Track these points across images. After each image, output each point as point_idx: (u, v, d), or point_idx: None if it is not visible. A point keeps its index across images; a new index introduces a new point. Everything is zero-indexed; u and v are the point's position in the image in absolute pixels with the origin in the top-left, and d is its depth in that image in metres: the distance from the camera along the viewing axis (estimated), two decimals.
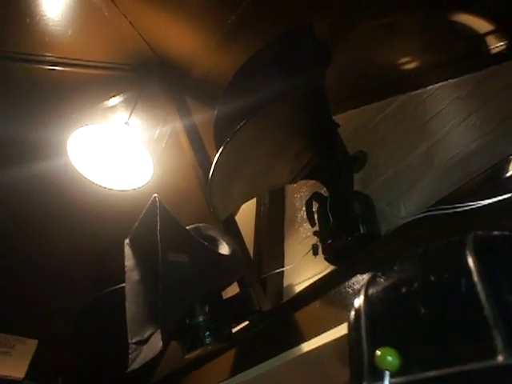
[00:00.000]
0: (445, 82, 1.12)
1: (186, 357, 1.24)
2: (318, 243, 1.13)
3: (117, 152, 1.42)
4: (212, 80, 1.69)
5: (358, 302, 0.48)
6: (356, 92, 1.39)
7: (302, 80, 1.06)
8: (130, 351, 1.24)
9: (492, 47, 0.98)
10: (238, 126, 1.06)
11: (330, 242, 1.05)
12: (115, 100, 1.77)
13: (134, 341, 1.26)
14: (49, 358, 2.03)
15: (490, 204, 0.78)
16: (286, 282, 1.45)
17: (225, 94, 1.29)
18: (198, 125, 1.70)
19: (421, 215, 0.92)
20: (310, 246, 1.42)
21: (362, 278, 1.04)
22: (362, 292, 0.48)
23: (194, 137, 1.64)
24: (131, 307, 1.31)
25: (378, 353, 0.39)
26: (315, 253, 1.14)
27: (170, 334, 1.11)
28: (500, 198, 0.76)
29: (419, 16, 0.99)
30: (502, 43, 0.95)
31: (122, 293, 1.47)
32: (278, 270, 1.42)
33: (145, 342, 1.26)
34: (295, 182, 1.26)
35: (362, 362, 0.42)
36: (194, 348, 1.19)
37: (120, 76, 1.70)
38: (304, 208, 1.60)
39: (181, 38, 1.57)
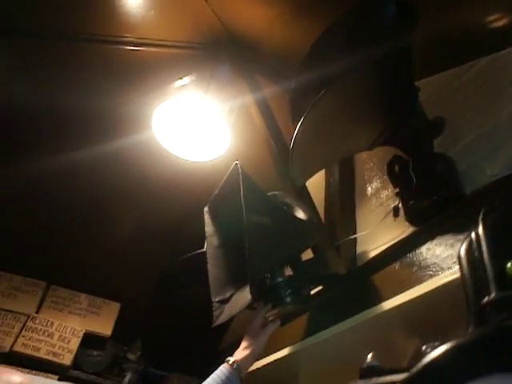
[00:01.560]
0: None
1: (267, 315, 1.32)
2: (400, 205, 1.14)
3: (196, 124, 1.51)
4: (282, 55, 1.73)
5: (477, 229, 0.51)
6: (434, 58, 1.36)
7: (386, 45, 1.07)
8: (213, 309, 1.33)
9: None
10: (320, 94, 1.10)
11: (412, 202, 1.07)
12: (189, 79, 1.86)
13: (216, 299, 1.35)
14: (130, 321, 2.23)
15: None
16: (359, 249, 1.48)
17: (302, 65, 1.32)
18: (268, 99, 1.76)
19: (509, 173, 0.92)
20: (383, 214, 1.44)
21: (444, 240, 1.05)
22: (480, 221, 0.51)
23: (264, 110, 1.70)
24: (213, 270, 1.40)
25: (509, 264, 0.42)
26: (396, 214, 1.15)
27: (258, 289, 1.18)
28: None
29: None
30: None
31: (199, 259, 1.56)
32: (352, 237, 1.45)
33: (226, 301, 1.35)
34: (372, 149, 1.28)
35: (487, 279, 0.46)
36: (276, 306, 1.26)
37: (193, 55, 1.79)
38: (373, 182, 1.61)
39: (253, 13, 1.61)
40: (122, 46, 1.63)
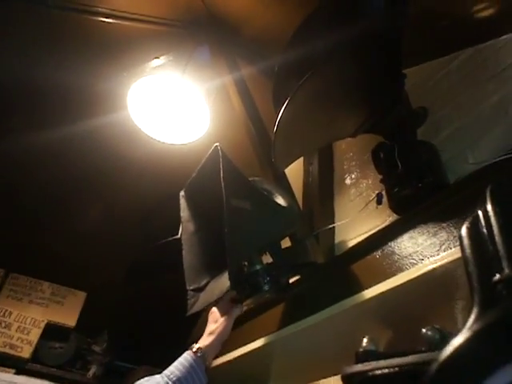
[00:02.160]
0: None
1: (243, 303, 1.28)
2: (383, 192, 1.13)
3: (173, 105, 1.44)
4: (264, 38, 1.68)
5: (484, 206, 0.49)
6: (418, 48, 1.35)
7: (374, 29, 1.05)
8: (188, 297, 1.28)
9: None
10: (305, 78, 1.06)
11: (396, 190, 1.05)
12: (166, 58, 1.78)
13: (191, 287, 1.29)
14: (96, 311, 2.13)
15: None
16: (337, 239, 1.46)
17: (286, 48, 1.28)
18: (248, 82, 1.71)
19: (493, 161, 0.92)
20: (363, 204, 1.43)
21: (427, 228, 1.04)
22: (488, 197, 0.48)
23: (244, 94, 1.65)
24: (188, 256, 1.35)
25: None
26: (379, 202, 1.14)
27: (236, 275, 1.13)
28: None
29: None
30: None
31: (172, 246, 1.50)
32: (331, 226, 1.43)
33: (201, 289, 1.29)
34: (356, 135, 1.26)
35: (498, 256, 0.43)
36: (253, 294, 1.22)
37: (172, 33, 1.71)
38: (352, 171, 1.60)
39: None
40: (95, 17, 1.53)
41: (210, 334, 1.18)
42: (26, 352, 2.07)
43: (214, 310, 1.24)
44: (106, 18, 1.57)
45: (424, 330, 0.59)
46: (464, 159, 1.09)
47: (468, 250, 0.52)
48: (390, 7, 1.01)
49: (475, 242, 0.52)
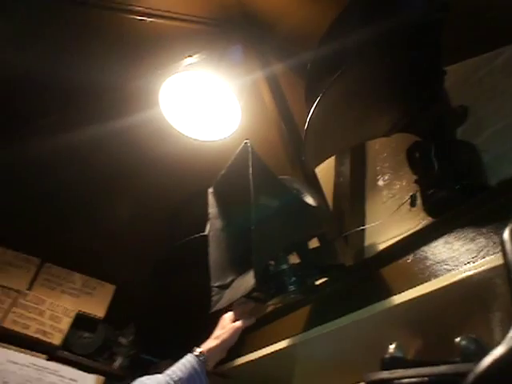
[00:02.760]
0: None
1: (269, 303, 1.26)
2: (417, 193, 1.08)
3: (205, 102, 1.44)
4: (298, 36, 1.65)
5: None
6: (458, 44, 1.29)
7: (413, 21, 1.00)
8: (212, 293, 1.27)
9: None
10: (337, 73, 1.03)
11: (432, 191, 1.00)
12: (199, 57, 1.78)
13: (216, 284, 1.29)
14: (124, 304, 2.17)
15: None
16: (367, 241, 1.41)
17: (320, 44, 1.25)
18: (280, 81, 1.69)
19: None
20: (395, 206, 1.37)
21: (463, 233, 0.99)
22: None
23: (276, 92, 1.64)
24: (214, 253, 1.34)
25: None
26: (413, 204, 1.09)
27: (262, 274, 1.12)
28: None
29: None
30: None
31: (199, 243, 1.50)
32: (362, 228, 1.38)
33: (226, 286, 1.29)
34: (390, 135, 1.21)
35: None
36: (278, 294, 1.20)
37: (205, 31, 1.71)
38: (385, 173, 1.55)
39: None
40: (130, 16, 1.55)
41: (215, 338, 1.20)
42: (57, 339, 2.14)
43: (226, 316, 1.25)
44: (141, 16, 1.59)
45: (458, 340, 0.55)
46: (508, 160, 1.03)
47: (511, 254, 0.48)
48: None
49: None
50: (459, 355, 0.57)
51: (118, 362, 2.23)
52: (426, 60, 1.04)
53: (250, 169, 1.13)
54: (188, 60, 1.82)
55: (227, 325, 1.23)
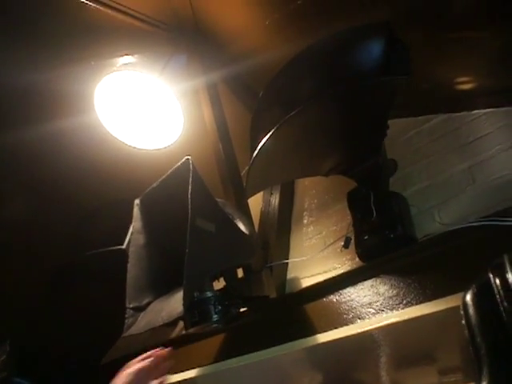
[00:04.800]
0: (493, 109, 1.18)
1: (189, 331, 1.18)
2: (351, 236, 1.12)
3: (146, 106, 1.34)
4: (251, 63, 1.65)
5: (504, 274, 0.48)
6: (395, 103, 1.41)
7: (372, 76, 1.07)
8: (126, 315, 1.17)
9: None
10: (290, 114, 1.05)
11: (367, 237, 1.05)
12: (140, 56, 1.68)
13: (131, 306, 1.18)
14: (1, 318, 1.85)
15: None
16: (290, 275, 1.43)
17: (278, 74, 1.27)
18: (222, 99, 1.66)
19: (466, 225, 0.95)
20: (321, 243, 1.42)
21: (390, 280, 1.05)
22: (507, 266, 0.48)
23: (217, 111, 1.60)
24: (133, 271, 1.24)
25: None
26: (346, 246, 1.13)
27: (191, 300, 1.05)
28: None
29: (496, 38, 1.03)
30: None
31: (104, 258, 1.37)
32: (287, 261, 1.40)
33: (142, 309, 1.19)
34: (328, 175, 1.26)
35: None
36: (201, 322, 1.13)
37: (153, 32, 1.62)
38: (313, 209, 1.60)
39: (230, 10, 1.52)
40: None
41: None
42: None
43: (129, 370, 1.01)
44: None
45: None
46: (431, 217, 1.13)
47: (474, 320, 0.51)
48: (389, 59, 1.03)
49: (483, 310, 0.51)
50: None
51: None
52: (375, 113, 1.11)
53: (190, 188, 1.07)
54: (126, 58, 1.70)
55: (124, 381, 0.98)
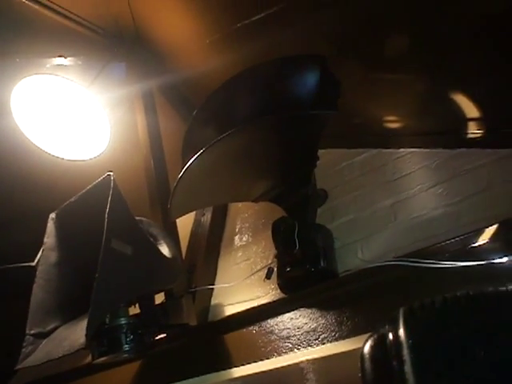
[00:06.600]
0: (417, 149, 1.23)
1: (95, 361, 1.08)
2: (274, 267, 1.10)
3: (70, 114, 1.26)
4: (190, 74, 1.61)
5: (397, 331, 0.47)
6: (329, 132, 1.43)
7: (305, 106, 1.07)
8: (24, 343, 1.05)
9: (469, 132, 1.10)
10: (223, 136, 1.02)
11: (289, 269, 1.04)
12: (74, 60, 1.58)
13: (32, 332, 1.07)
14: None
15: (458, 267, 0.84)
16: (214, 301, 1.38)
17: (213, 94, 1.24)
18: (158, 114, 1.60)
19: (387, 263, 0.97)
20: (248, 270, 1.39)
21: (309, 314, 1.03)
22: (400, 323, 0.47)
23: (151, 125, 1.54)
24: (39, 291, 1.13)
25: None
26: (269, 277, 1.11)
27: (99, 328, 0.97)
28: (470, 263, 0.82)
29: (422, 81, 1.08)
30: (478, 131, 1.08)
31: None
32: (211, 286, 1.35)
33: (45, 335, 1.08)
34: (257, 202, 1.24)
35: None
36: (110, 353, 1.05)
37: (91, 37, 1.54)
38: (244, 233, 1.57)
39: (172, 23, 1.48)
40: None
41: None
42: None
43: None
44: None
45: None
46: (354, 252, 1.15)
47: (369, 374, 0.50)
48: (322, 92, 1.04)
49: (378, 364, 0.50)
50: None
51: None
52: (306, 143, 1.11)
53: (108, 207, 1.00)
54: (58, 60, 1.60)
55: None
